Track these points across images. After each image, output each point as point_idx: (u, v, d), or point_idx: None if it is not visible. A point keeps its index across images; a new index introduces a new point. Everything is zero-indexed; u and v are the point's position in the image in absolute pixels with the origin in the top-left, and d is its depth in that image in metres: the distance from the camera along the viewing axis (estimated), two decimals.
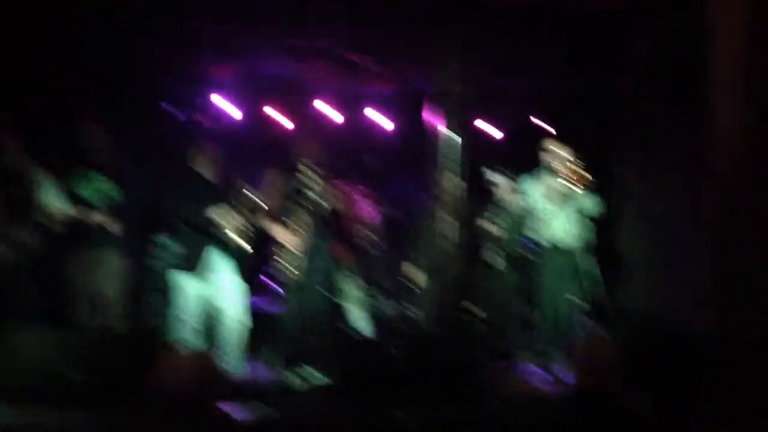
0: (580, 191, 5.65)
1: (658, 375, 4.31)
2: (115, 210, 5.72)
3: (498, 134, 8.47)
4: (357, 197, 7.20)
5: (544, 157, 5.83)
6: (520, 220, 5.94)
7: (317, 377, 5.45)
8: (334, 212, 5.72)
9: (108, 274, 5.77)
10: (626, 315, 6.93)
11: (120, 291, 5.82)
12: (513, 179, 5.64)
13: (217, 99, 7.84)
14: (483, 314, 5.78)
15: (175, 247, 5.58)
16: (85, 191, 5.68)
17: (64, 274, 5.72)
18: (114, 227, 5.69)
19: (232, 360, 5.44)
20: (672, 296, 6.09)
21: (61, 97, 6.73)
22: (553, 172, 5.76)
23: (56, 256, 5.67)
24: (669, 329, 5.15)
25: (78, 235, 5.62)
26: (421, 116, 7.27)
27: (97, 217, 5.60)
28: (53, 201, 5.45)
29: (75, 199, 5.58)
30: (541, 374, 5.75)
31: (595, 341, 2.81)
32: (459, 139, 5.59)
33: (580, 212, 5.67)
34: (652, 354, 4.57)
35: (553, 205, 5.77)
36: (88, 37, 6.49)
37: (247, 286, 5.71)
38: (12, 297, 5.33)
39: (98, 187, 5.73)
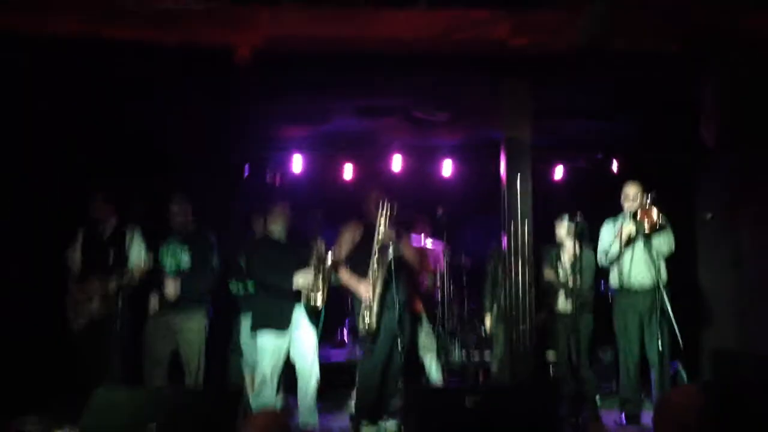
0: (654, 232, 5.53)
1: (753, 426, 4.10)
2: (195, 273, 5.95)
3: (568, 179, 8.43)
4: (428, 247, 7.26)
5: (619, 199, 5.77)
6: (591, 264, 5.84)
7: (392, 429, 5.43)
8: (406, 263, 5.77)
9: (189, 336, 5.93)
10: (715, 358, 6.68)
11: (200, 352, 5.96)
12: (584, 224, 5.56)
13: (294, 159, 8.10)
14: (558, 361, 5.64)
15: (252, 308, 5.73)
16: (168, 262, 5.94)
17: (146, 336, 5.92)
18: (195, 290, 5.91)
19: (307, 413, 5.50)
20: (763, 336, 5.86)
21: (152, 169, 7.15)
22: (627, 214, 5.68)
23: (139, 318, 5.91)
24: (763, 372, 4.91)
25: (159, 298, 5.85)
26: (491, 164, 7.33)
27: (168, 287, 5.80)
28: (141, 262, 5.71)
29: (159, 269, 5.84)
30: (624, 423, 5.57)
31: (682, 395, 2.39)
32: (529, 186, 5.57)
33: (656, 253, 5.54)
34: (744, 401, 4.36)
35: (628, 247, 5.66)
36: (175, 113, 6.88)
37: (323, 338, 5.78)
38: (99, 357, 5.57)
39: (178, 258, 5.97)
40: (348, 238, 5.70)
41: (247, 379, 6.09)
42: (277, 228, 5.73)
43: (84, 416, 4.51)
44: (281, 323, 5.52)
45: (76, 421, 4.56)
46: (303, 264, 5.61)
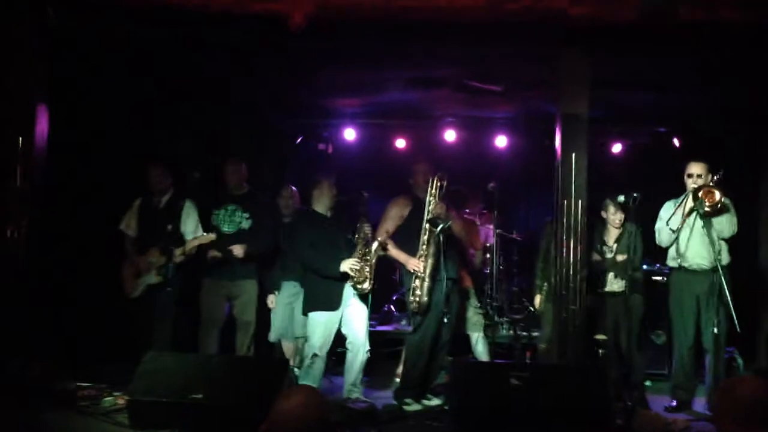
0: (714, 214, 5.31)
1: None
2: (256, 235, 6.00)
3: (626, 155, 8.18)
4: (479, 221, 7.15)
5: (679, 179, 5.55)
6: (642, 243, 5.65)
7: (437, 403, 5.40)
8: (456, 237, 5.69)
9: (245, 299, 6.03)
10: None
11: (254, 317, 6.06)
12: (638, 198, 5.37)
13: (347, 132, 8.06)
14: (608, 341, 5.50)
15: (304, 289, 5.74)
16: (225, 224, 6.00)
17: (202, 299, 6.03)
18: (251, 258, 5.98)
19: (352, 385, 5.50)
20: None
21: (207, 138, 7.22)
22: (687, 192, 5.47)
23: (194, 285, 6.01)
24: None
25: (217, 265, 5.93)
26: (545, 139, 7.15)
27: (236, 248, 5.87)
28: (198, 232, 5.78)
29: (216, 231, 5.87)
30: (674, 407, 5.42)
31: (747, 386, 2.13)
32: (584, 162, 5.40)
33: (716, 234, 5.33)
34: None
35: (686, 227, 5.46)
36: (232, 84, 6.90)
37: (373, 312, 5.76)
38: (153, 324, 5.71)
39: (237, 220, 6.03)
40: (396, 214, 5.64)
41: (289, 345, 6.16)
42: (322, 204, 5.68)
43: (133, 381, 4.62)
44: (332, 305, 5.50)
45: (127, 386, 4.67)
46: (348, 244, 5.57)
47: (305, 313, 5.60)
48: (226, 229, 5.96)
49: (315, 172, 6.26)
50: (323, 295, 5.51)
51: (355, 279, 5.45)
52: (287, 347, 6.17)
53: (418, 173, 5.66)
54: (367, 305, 5.56)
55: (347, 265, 5.42)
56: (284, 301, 6.10)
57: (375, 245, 5.50)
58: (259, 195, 6.23)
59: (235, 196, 6.08)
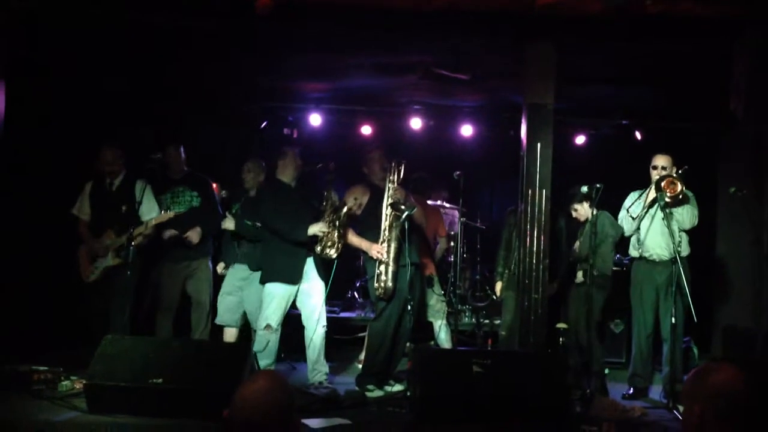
0: (675, 205, 5.41)
1: None
2: (204, 220, 5.98)
3: (590, 147, 8.27)
4: (442, 209, 7.17)
5: (642, 171, 5.64)
6: (608, 231, 5.73)
7: (399, 389, 5.42)
8: (418, 223, 5.70)
9: (201, 282, 6.00)
10: (728, 335, 6.61)
11: (210, 295, 6.04)
12: (599, 188, 5.44)
13: (312, 117, 8.01)
14: (569, 330, 5.57)
15: (263, 260, 5.70)
16: (176, 206, 5.95)
17: (156, 285, 5.99)
18: (205, 237, 5.97)
19: (314, 364, 5.49)
20: None
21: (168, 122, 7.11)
22: (648, 184, 5.55)
23: (148, 268, 5.95)
24: None
25: (170, 246, 5.88)
26: (510, 129, 7.19)
27: (192, 235, 5.86)
28: (152, 214, 5.69)
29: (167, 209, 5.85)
30: (632, 395, 5.52)
31: (722, 373, 2.09)
32: (549, 153, 5.45)
33: (676, 226, 5.42)
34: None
35: (648, 217, 5.55)
36: (197, 68, 6.79)
37: (333, 298, 5.75)
38: (110, 307, 5.63)
39: (187, 199, 6.01)
40: (354, 197, 5.63)
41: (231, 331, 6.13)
42: (287, 174, 5.66)
43: (91, 365, 4.54)
44: (293, 278, 5.49)
45: (85, 370, 4.59)
46: (315, 212, 5.56)
47: (263, 282, 5.57)
48: (177, 209, 5.91)
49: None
50: (284, 266, 5.49)
51: (323, 243, 5.42)
52: (230, 333, 6.12)
53: (373, 161, 5.66)
54: (328, 281, 5.56)
55: (317, 228, 5.41)
56: (234, 284, 6.08)
57: (344, 210, 5.47)
58: (200, 174, 6.20)
59: (176, 179, 6.05)
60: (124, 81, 6.82)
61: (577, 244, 5.84)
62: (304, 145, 6.46)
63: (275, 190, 5.67)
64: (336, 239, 5.45)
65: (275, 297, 5.46)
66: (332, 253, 5.46)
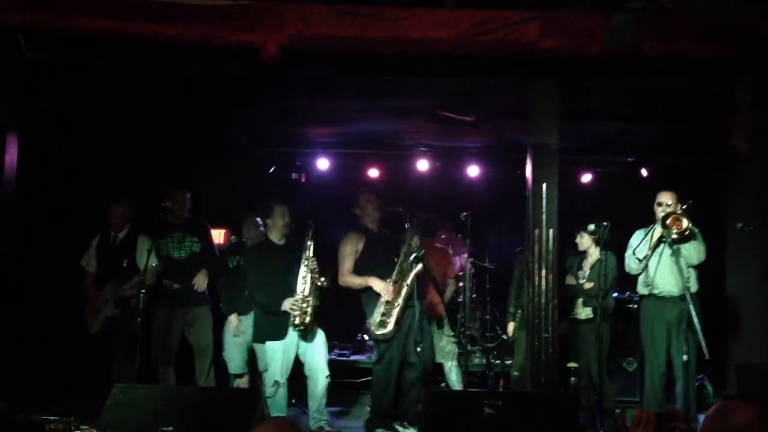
0: (682, 241, 5.41)
1: None
2: (205, 265, 6.03)
3: (596, 184, 8.31)
4: (450, 250, 7.18)
5: (648, 208, 5.65)
6: (613, 270, 5.73)
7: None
8: (426, 265, 5.71)
9: (201, 329, 6.01)
10: (742, 371, 6.53)
11: (211, 342, 6.04)
12: (607, 226, 5.46)
13: (320, 162, 8.09)
14: (580, 368, 5.53)
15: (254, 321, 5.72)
16: (176, 251, 6.00)
17: (157, 332, 5.97)
18: (204, 285, 6.00)
19: (317, 412, 5.46)
20: None
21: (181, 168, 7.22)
22: (656, 221, 5.56)
23: (150, 315, 5.93)
24: None
25: (170, 294, 5.91)
26: (517, 168, 7.23)
27: (199, 281, 5.92)
28: (152, 262, 5.72)
29: (167, 259, 5.93)
30: None
31: (741, 414, 2.06)
32: (555, 192, 5.48)
33: (684, 262, 5.41)
34: None
35: (656, 254, 5.54)
36: (206, 113, 6.92)
37: (347, 342, 5.72)
38: (116, 357, 5.69)
39: (187, 245, 6.05)
40: (350, 251, 5.67)
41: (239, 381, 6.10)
42: (275, 233, 5.65)
43: (102, 414, 4.53)
44: (280, 334, 5.47)
45: (95, 419, 4.58)
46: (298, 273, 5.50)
47: (256, 342, 5.61)
48: (177, 255, 5.96)
49: (288, 200, 6.23)
50: (271, 325, 5.50)
51: (295, 316, 5.38)
52: (242, 380, 6.10)
53: (367, 201, 5.70)
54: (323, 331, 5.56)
55: (287, 305, 5.39)
56: (247, 331, 6.01)
57: (322, 281, 5.46)
58: (199, 220, 6.24)
59: (178, 223, 6.07)
60: (134, 128, 6.93)
61: (582, 280, 5.84)
62: (312, 200, 6.42)
63: (260, 255, 5.65)
64: (308, 311, 5.37)
65: (276, 353, 5.46)
66: (300, 324, 5.37)
